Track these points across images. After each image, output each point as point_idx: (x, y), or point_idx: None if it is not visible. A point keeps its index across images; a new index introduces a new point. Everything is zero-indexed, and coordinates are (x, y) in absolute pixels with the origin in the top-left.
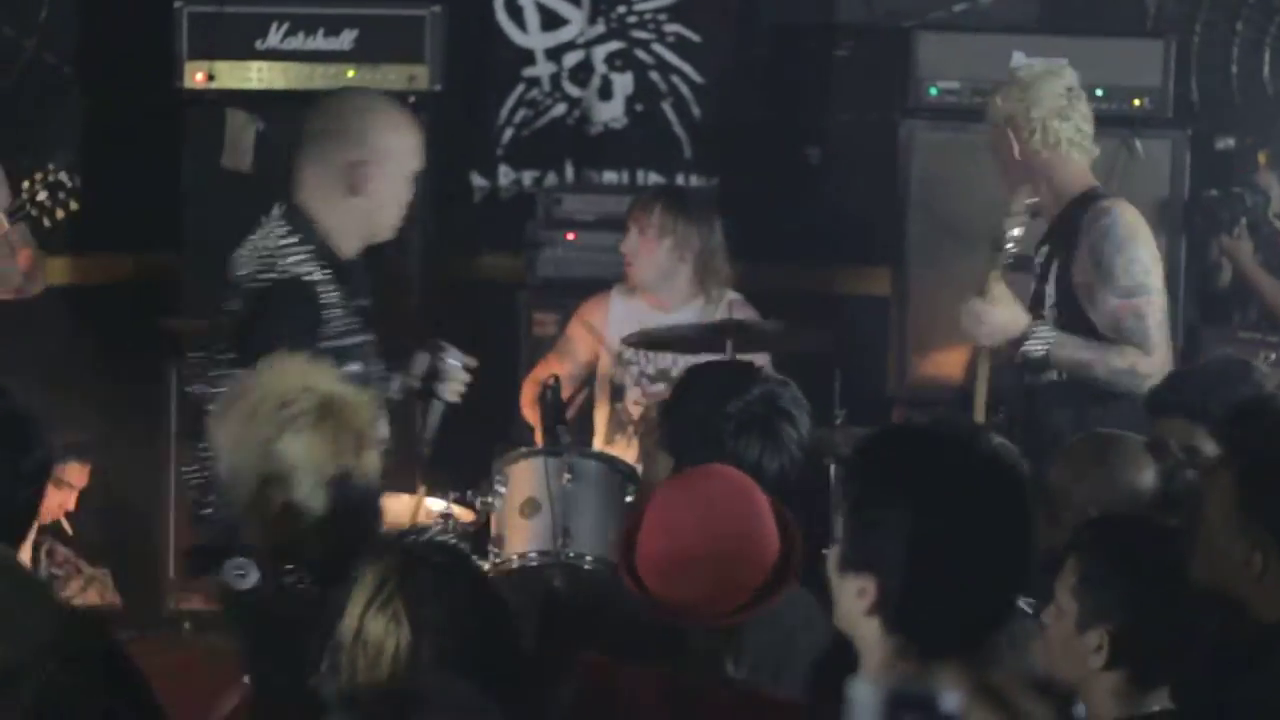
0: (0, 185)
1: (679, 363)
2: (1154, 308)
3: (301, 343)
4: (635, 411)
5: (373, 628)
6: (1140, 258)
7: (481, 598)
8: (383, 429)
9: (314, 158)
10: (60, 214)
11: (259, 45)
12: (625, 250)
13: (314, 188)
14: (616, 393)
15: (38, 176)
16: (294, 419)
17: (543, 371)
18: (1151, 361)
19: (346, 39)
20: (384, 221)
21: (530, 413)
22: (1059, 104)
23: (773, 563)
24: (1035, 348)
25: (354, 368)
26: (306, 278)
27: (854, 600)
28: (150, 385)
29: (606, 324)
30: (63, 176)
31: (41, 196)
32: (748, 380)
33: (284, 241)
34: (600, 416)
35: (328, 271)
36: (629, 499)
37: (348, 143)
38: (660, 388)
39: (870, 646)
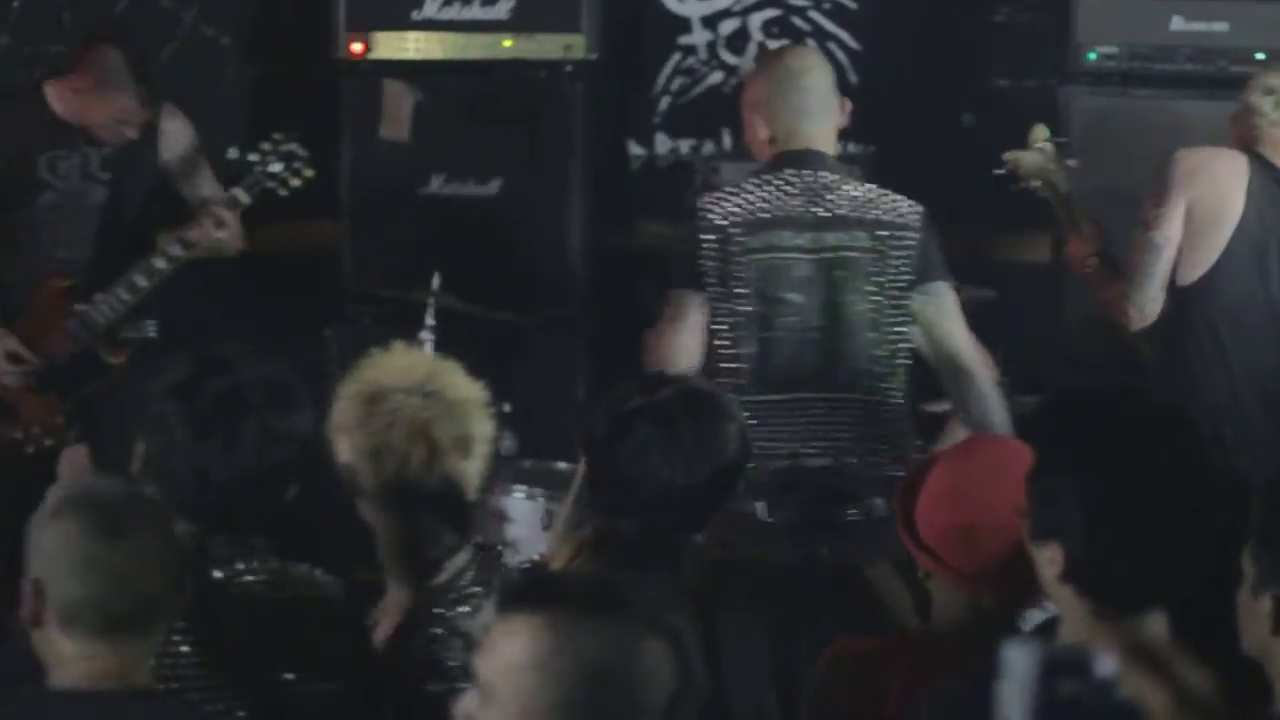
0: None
1: None
2: None
3: None
4: None
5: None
6: None
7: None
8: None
9: None
10: (296, 182)
11: (415, 15)
12: None
13: None
14: None
15: (266, 147)
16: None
17: None
18: None
19: (503, 8)
20: None
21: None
22: None
23: None
24: None
25: None
26: None
27: (1046, 569)
28: (309, 354)
29: None
30: (295, 146)
31: (276, 168)
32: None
33: None
34: None
35: None
36: None
37: None
38: None
39: (1067, 613)
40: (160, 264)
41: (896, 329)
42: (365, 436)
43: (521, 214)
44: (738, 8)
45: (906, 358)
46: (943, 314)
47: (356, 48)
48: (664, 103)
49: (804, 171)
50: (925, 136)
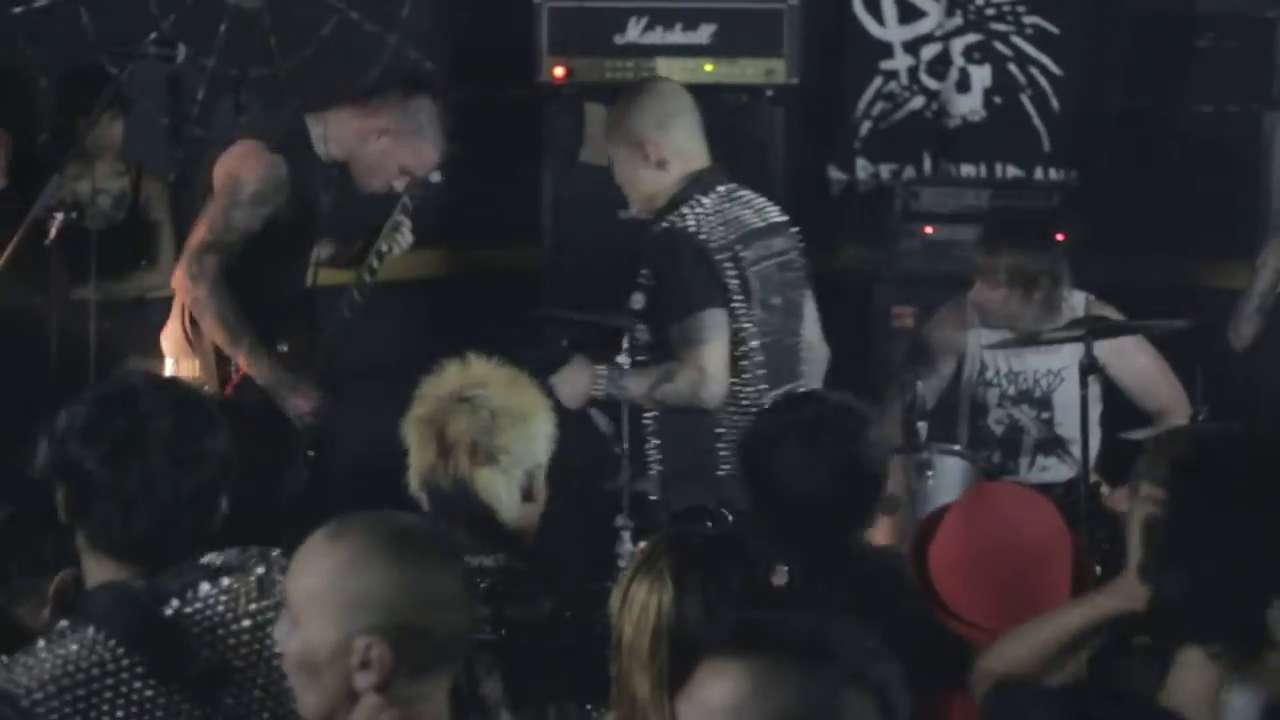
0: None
1: (1040, 384)
2: None
3: None
4: (998, 432)
5: (637, 592)
6: None
7: (749, 569)
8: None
9: None
10: None
11: (618, 40)
12: (974, 300)
13: None
14: (978, 411)
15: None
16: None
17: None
18: None
19: (704, 33)
20: None
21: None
22: None
23: (1068, 582)
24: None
25: None
26: None
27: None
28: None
29: (965, 336)
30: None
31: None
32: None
33: None
34: (961, 432)
35: None
36: None
37: None
38: (1022, 409)
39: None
40: (368, 278)
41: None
42: (411, 432)
43: None
44: (940, 33)
45: None
46: (813, 312)
47: (559, 72)
48: (865, 127)
49: (727, 185)
50: (1128, 162)
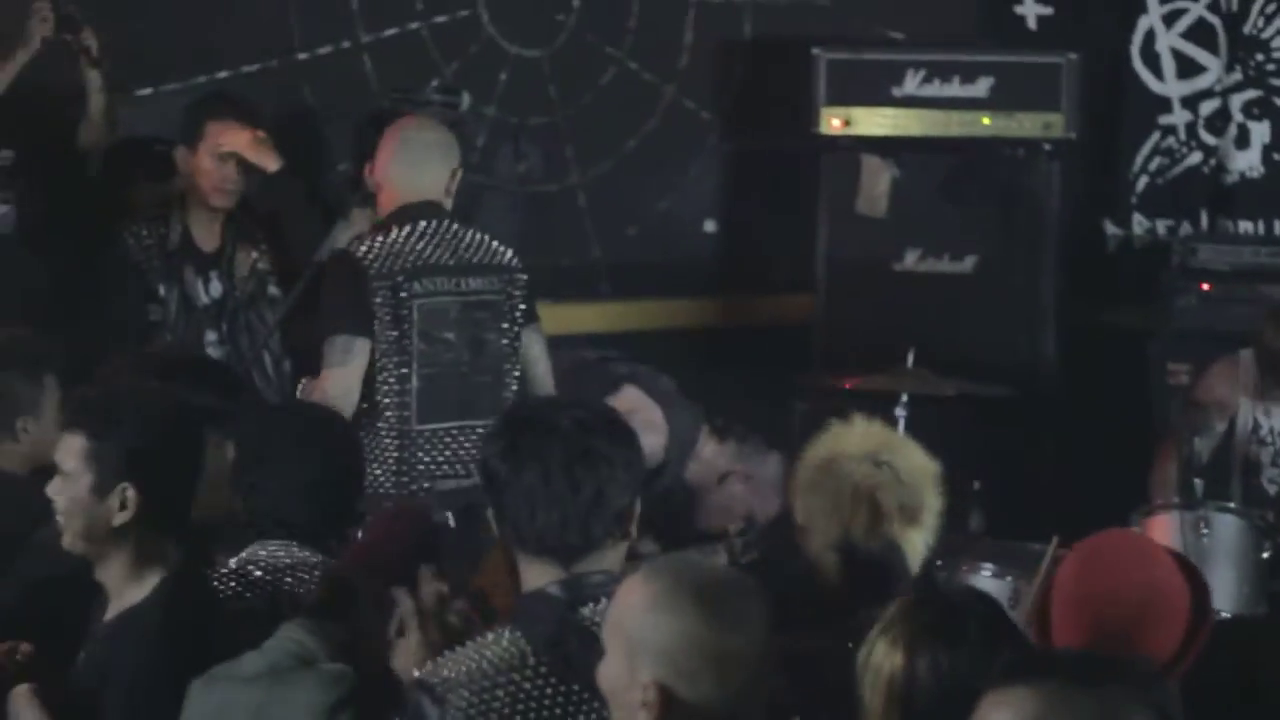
0: None
1: None
2: None
3: None
4: (1271, 491)
5: (876, 652)
6: None
7: (986, 641)
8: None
9: None
10: None
11: (895, 92)
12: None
13: None
14: (1251, 469)
15: None
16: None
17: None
18: None
19: (983, 86)
20: None
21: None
22: None
23: (1184, 624)
24: None
25: None
26: None
27: None
28: (777, 425)
29: (1239, 394)
30: None
31: None
32: None
33: None
34: (1235, 490)
35: None
36: (1265, 555)
37: None
38: None
39: None
40: None
41: (516, 360)
42: (815, 499)
43: (996, 291)
44: (1219, 88)
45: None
46: (542, 352)
47: (836, 123)
48: (1142, 182)
49: (433, 221)
50: None
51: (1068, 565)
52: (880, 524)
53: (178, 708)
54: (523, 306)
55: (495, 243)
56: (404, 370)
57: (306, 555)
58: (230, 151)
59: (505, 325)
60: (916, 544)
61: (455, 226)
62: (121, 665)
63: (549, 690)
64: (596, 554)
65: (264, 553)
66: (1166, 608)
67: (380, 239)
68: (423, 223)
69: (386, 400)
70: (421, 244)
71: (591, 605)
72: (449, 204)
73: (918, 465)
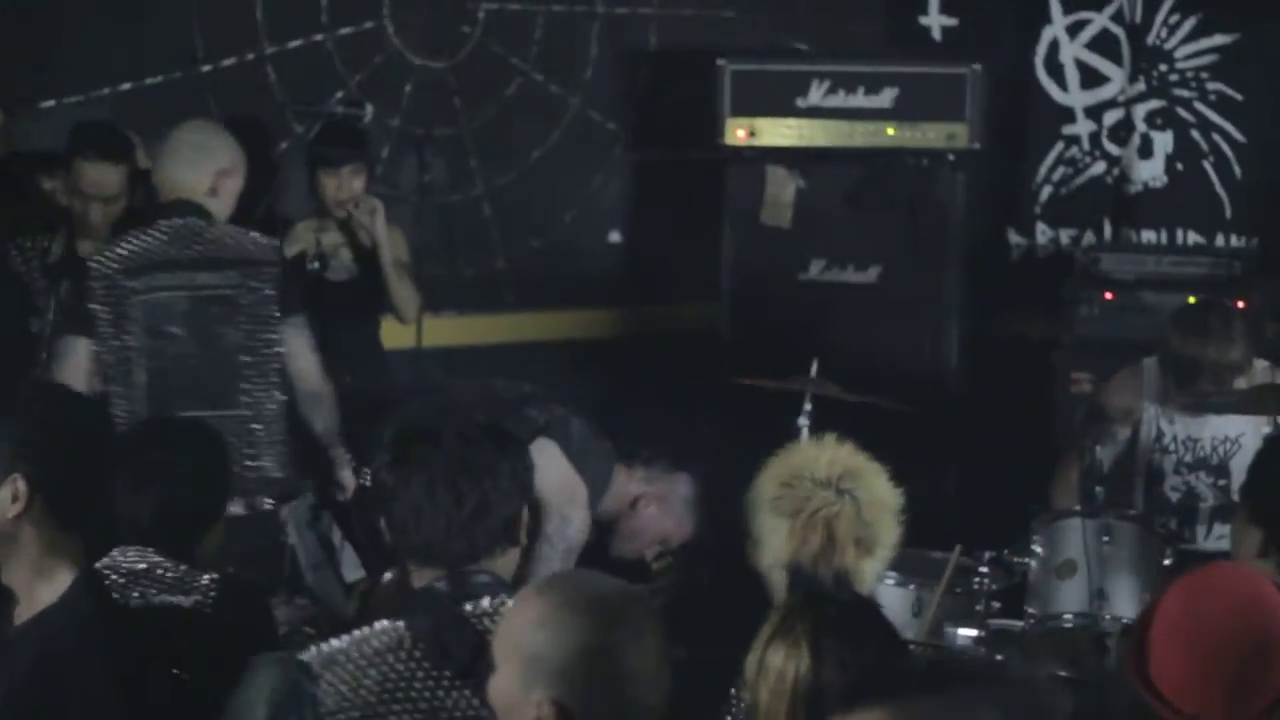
0: None
1: (1218, 452)
2: None
3: None
4: (1174, 499)
5: (773, 657)
6: None
7: (885, 639)
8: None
9: None
10: None
11: (800, 103)
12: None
13: None
14: (1154, 477)
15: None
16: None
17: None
18: None
19: (887, 96)
20: None
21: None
22: None
23: None
24: None
25: None
26: None
27: None
28: (683, 434)
29: (1142, 402)
30: None
31: None
32: None
33: None
34: (1137, 498)
35: None
36: (1166, 563)
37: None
38: (1199, 477)
39: None
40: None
41: (265, 352)
42: (772, 517)
43: (900, 301)
44: (1122, 98)
45: (278, 378)
46: (301, 346)
47: (741, 134)
48: (1045, 192)
49: (175, 220)
50: None
51: (1177, 600)
52: (833, 554)
53: (106, 709)
54: (273, 300)
55: (250, 238)
56: (126, 366)
57: (161, 560)
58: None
59: (243, 319)
60: (867, 574)
61: (201, 224)
62: (37, 669)
63: (419, 673)
64: (485, 561)
65: (123, 559)
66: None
67: (127, 239)
68: (164, 222)
69: (117, 394)
70: (156, 242)
71: (474, 602)
72: (215, 204)
73: (879, 497)
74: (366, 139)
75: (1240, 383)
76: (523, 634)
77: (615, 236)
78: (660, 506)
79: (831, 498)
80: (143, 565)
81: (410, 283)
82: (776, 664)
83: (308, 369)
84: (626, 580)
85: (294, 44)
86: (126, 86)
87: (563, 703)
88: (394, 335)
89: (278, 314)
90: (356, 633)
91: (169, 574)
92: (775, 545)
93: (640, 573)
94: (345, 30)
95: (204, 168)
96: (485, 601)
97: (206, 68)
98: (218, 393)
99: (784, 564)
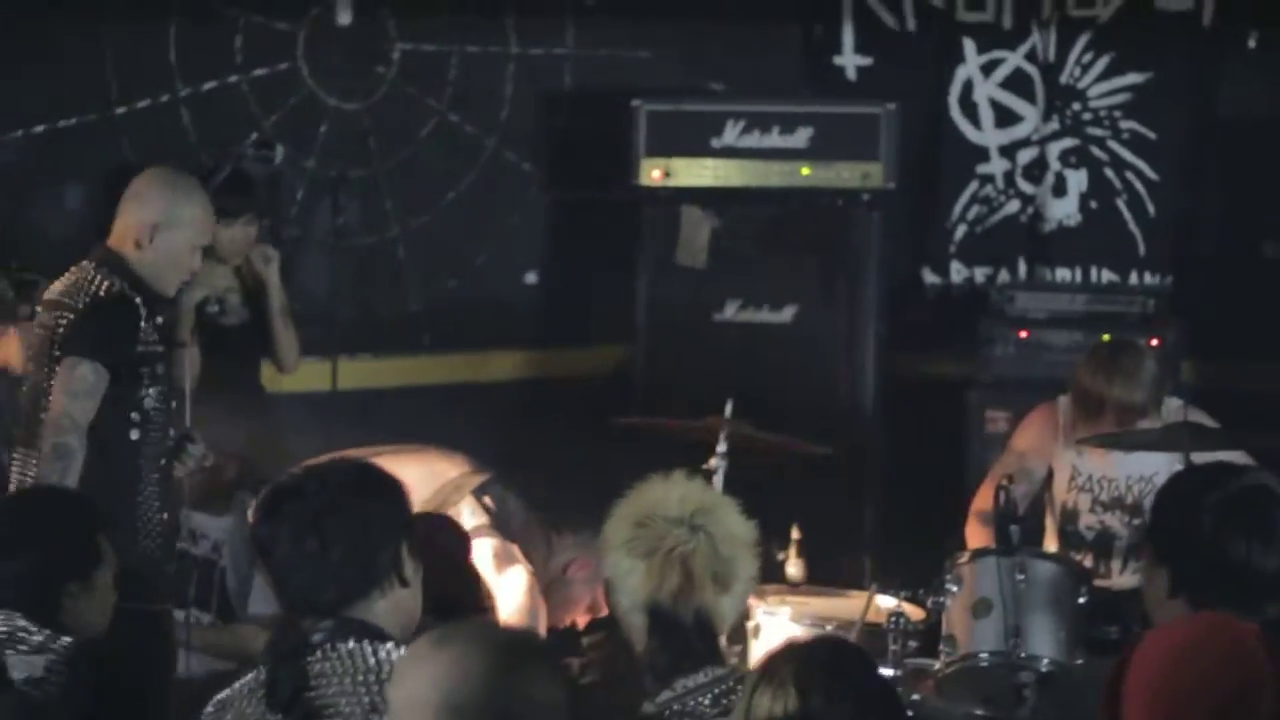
0: None
1: (1132, 490)
2: None
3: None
4: (1089, 537)
5: (760, 701)
6: None
7: (871, 681)
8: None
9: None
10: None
11: (715, 143)
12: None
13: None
14: (1069, 515)
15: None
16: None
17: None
18: None
19: (802, 136)
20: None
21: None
22: None
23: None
24: None
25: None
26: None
27: None
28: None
29: (1056, 439)
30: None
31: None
32: (1229, 475)
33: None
34: (1049, 537)
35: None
36: (1081, 601)
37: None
38: (1114, 515)
39: None
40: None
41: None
42: (626, 559)
43: (815, 341)
44: (1036, 137)
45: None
46: (59, 385)
47: (656, 174)
48: (960, 231)
49: (83, 261)
50: (1225, 267)
51: (1152, 654)
52: (691, 591)
53: None
54: (63, 339)
55: (92, 280)
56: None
57: (25, 624)
58: None
59: (45, 359)
60: (726, 611)
61: (89, 266)
62: None
63: (261, 713)
64: (361, 604)
65: None
66: (1257, 697)
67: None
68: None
69: None
70: (56, 284)
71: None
72: (140, 254)
73: (734, 532)
74: (257, 188)
75: (1145, 424)
76: (432, 689)
77: (531, 278)
78: (590, 572)
79: (685, 535)
80: (5, 629)
81: (293, 331)
82: (764, 706)
83: (53, 406)
84: (558, 652)
85: (208, 85)
86: (40, 129)
87: None
88: (309, 378)
89: (59, 353)
90: (250, 674)
91: (32, 637)
92: (632, 586)
93: (571, 644)
94: (260, 71)
95: (129, 216)
96: (330, 648)
97: (121, 109)
98: (21, 431)
99: (642, 605)
